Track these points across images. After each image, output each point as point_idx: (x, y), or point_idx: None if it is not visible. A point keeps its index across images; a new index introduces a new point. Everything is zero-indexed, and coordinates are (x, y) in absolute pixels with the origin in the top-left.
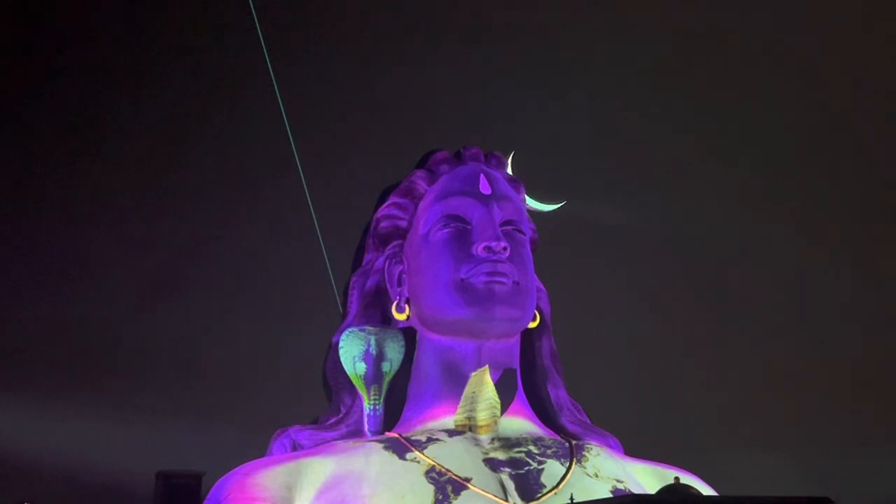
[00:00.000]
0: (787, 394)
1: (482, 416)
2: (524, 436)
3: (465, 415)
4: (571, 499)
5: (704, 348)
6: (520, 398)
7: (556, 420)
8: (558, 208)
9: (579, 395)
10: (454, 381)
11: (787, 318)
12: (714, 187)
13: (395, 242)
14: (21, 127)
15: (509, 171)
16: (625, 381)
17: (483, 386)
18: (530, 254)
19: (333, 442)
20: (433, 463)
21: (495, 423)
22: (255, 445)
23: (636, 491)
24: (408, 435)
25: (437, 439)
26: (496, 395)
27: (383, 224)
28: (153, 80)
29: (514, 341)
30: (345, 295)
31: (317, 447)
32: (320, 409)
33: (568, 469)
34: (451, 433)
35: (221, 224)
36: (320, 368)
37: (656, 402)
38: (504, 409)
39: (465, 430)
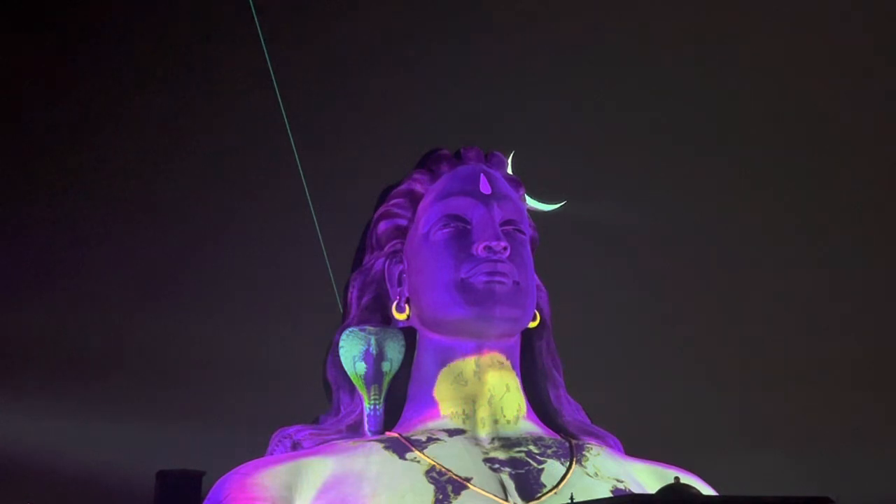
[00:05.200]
0: (787, 394)
1: (482, 416)
2: (524, 436)
3: (464, 415)
4: (571, 498)
5: (704, 348)
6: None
7: (556, 420)
8: (558, 208)
9: (579, 395)
10: (454, 381)
11: (787, 318)
12: (714, 188)
13: (394, 242)
14: (21, 129)
15: (509, 170)
16: (625, 381)
17: (483, 386)
18: (530, 253)
19: (333, 442)
20: (433, 463)
21: (495, 422)
22: (255, 445)
23: (636, 490)
24: (408, 435)
25: (438, 439)
26: (496, 395)
27: (383, 224)
28: (154, 82)
29: (514, 341)
30: (345, 295)
31: (317, 447)
32: (320, 409)
33: (568, 469)
34: (451, 433)
35: (222, 225)
36: (320, 368)
37: (656, 402)
38: (504, 409)
39: (465, 429)
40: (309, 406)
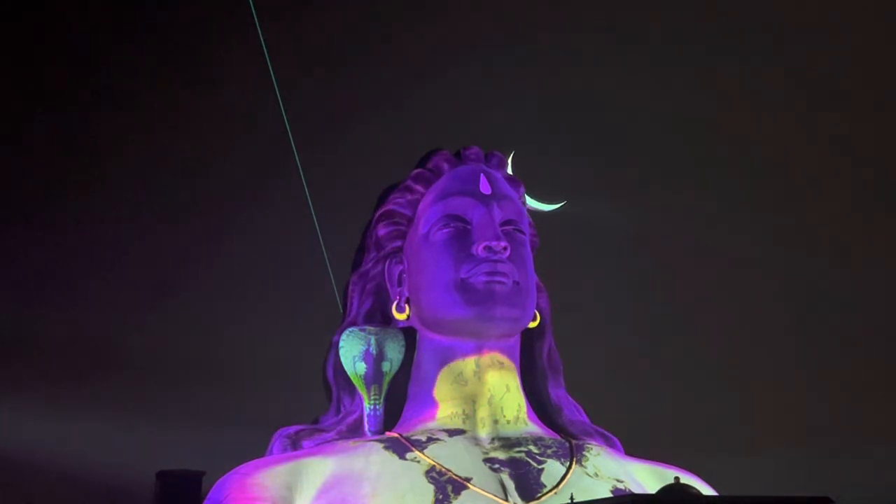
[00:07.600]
0: (788, 394)
1: (482, 416)
2: (524, 436)
3: (464, 415)
4: (571, 498)
5: (704, 348)
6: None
7: (556, 420)
8: (558, 208)
9: (579, 395)
10: (454, 381)
11: (787, 318)
12: (715, 188)
13: (394, 242)
14: (24, 130)
15: (509, 170)
16: (625, 382)
17: (483, 386)
18: (530, 253)
19: (333, 442)
20: (433, 463)
21: (495, 422)
22: (255, 445)
23: (636, 491)
24: (408, 435)
25: (438, 439)
26: (496, 395)
27: (383, 224)
28: (154, 84)
29: (514, 341)
30: (345, 295)
31: (317, 447)
32: (320, 409)
33: (568, 469)
34: (451, 433)
35: (223, 226)
36: (320, 368)
37: (656, 402)
38: (504, 409)
39: (465, 429)
40: (309, 406)
